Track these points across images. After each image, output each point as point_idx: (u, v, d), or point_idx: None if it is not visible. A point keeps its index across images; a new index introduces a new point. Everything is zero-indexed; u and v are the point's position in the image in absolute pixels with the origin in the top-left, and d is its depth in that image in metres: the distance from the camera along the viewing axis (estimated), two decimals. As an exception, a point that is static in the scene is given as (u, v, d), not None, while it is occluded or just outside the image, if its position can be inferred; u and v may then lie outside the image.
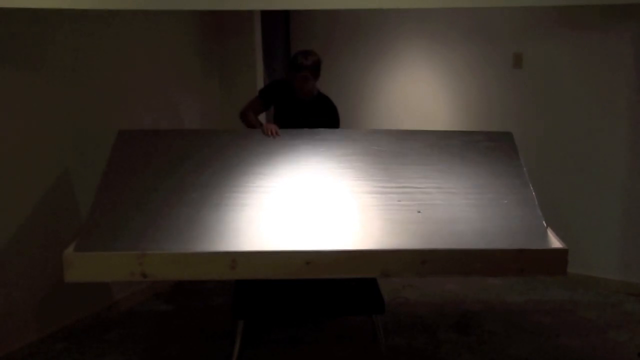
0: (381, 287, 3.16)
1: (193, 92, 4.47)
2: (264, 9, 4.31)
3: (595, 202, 4.10)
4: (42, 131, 3.34)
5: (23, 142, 3.24)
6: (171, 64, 4.22)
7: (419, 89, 4.61)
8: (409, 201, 2.80)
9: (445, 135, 3.29)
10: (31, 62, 3.25)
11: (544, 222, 2.73)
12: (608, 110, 3.99)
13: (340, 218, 2.71)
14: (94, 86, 3.63)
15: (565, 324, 3.62)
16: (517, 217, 2.72)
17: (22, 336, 3.30)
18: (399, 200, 2.80)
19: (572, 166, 4.15)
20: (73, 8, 2.96)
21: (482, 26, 4.31)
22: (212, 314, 3.84)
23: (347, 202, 2.79)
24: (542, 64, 4.16)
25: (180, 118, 4.35)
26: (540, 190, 4.17)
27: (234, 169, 2.98)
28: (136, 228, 2.64)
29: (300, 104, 3.49)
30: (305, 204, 2.78)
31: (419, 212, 2.74)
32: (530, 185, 2.90)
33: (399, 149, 3.16)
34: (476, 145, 3.20)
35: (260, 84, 4.62)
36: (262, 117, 3.79)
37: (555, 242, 2.55)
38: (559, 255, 2.49)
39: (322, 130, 3.29)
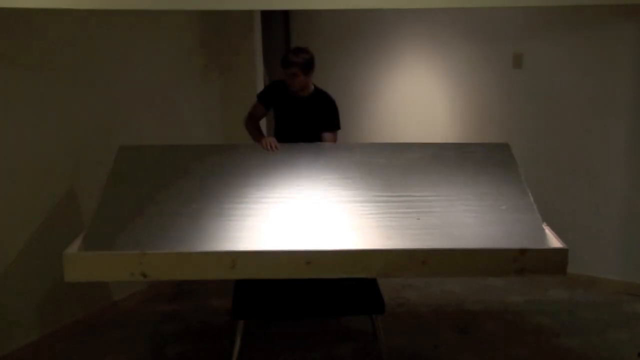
0: (381, 287, 3.16)
1: (193, 92, 4.47)
2: (264, 9, 4.31)
3: (596, 202, 4.10)
4: (42, 131, 3.34)
5: (23, 141, 3.24)
6: (171, 64, 4.22)
7: (419, 89, 4.61)
8: (408, 209, 2.81)
9: (442, 147, 3.34)
10: (31, 62, 3.25)
11: (543, 224, 2.73)
12: (608, 110, 3.99)
13: (339, 224, 2.72)
14: (94, 86, 3.63)
15: (565, 324, 3.62)
16: (516, 221, 2.73)
17: (22, 336, 3.30)
18: (398, 209, 2.82)
19: (572, 166, 4.15)
20: (73, 8, 2.96)
21: (482, 26, 4.31)
22: (212, 314, 3.84)
23: (346, 209, 2.81)
24: (542, 64, 4.16)
25: (180, 118, 4.35)
26: (540, 190, 4.18)
27: (234, 181, 2.99)
28: (136, 231, 2.66)
29: (298, 101, 3.50)
30: (305, 212, 2.79)
31: (418, 218, 2.75)
32: (529, 192, 2.92)
33: (396, 161, 3.20)
34: (473, 156, 3.24)
35: (260, 84, 4.62)
36: (264, 121, 3.77)
37: (555, 242, 2.55)
38: (559, 255, 2.49)
39: (320, 144, 3.37)
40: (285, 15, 5.07)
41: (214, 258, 2.48)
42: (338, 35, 4.82)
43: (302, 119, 3.51)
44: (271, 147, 3.27)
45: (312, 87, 3.51)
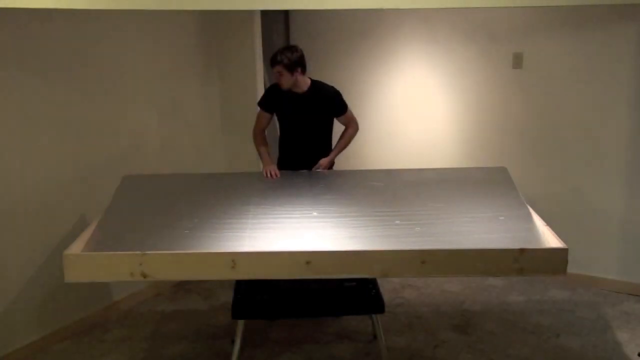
0: (381, 287, 3.16)
1: (193, 92, 4.47)
2: (264, 8, 4.31)
3: (596, 202, 4.10)
4: (42, 130, 3.34)
5: (23, 141, 3.25)
6: (171, 64, 4.22)
7: (419, 89, 4.61)
8: (407, 221, 2.85)
9: (440, 172, 3.54)
10: (31, 62, 3.25)
11: (543, 224, 2.73)
12: (608, 110, 3.99)
13: (338, 232, 2.75)
14: (94, 86, 3.63)
15: (565, 324, 3.62)
16: (515, 225, 2.75)
17: (22, 336, 3.31)
18: (397, 221, 2.85)
19: (572, 166, 4.15)
20: (73, 8, 2.96)
21: (482, 26, 4.31)
22: (212, 314, 3.84)
23: (345, 222, 2.84)
24: (542, 64, 4.15)
25: (180, 118, 4.35)
26: (540, 190, 4.19)
27: (235, 200, 3.08)
28: (137, 236, 2.71)
29: (297, 98, 3.53)
30: (305, 222, 2.83)
31: (418, 229, 2.77)
32: (528, 205, 2.94)
33: (394, 184, 3.35)
34: (471, 178, 3.40)
35: (260, 83, 4.61)
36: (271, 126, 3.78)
37: (555, 242, 2.55)
38: (559, 255, 2.48)
39: (321, 171, 3.52)
40: (285, 15, 5.07)
41: (214, 258, 2.48)
42: (338, 35, 4.82)
43: (304, 115, 3.54)
44: (271, 175, 3.42)
45: (309, 82, 3.53)
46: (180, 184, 3.42)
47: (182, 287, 4.24)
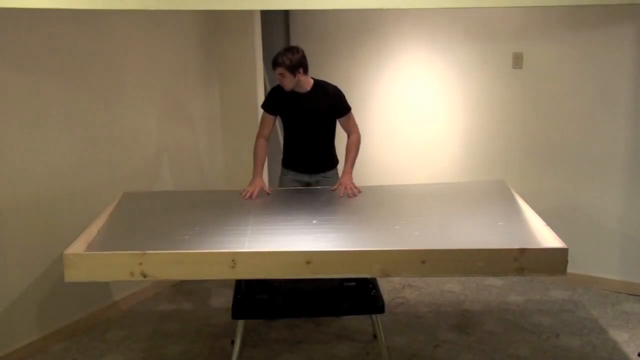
0: (381, 287, 3.16)
1: (193, 92, 4.47)
2: (264, 8, 4.31)
3: (595, 202, 4.10)
4: (42, 130, 3.34)
5: (23, 141, 3.24)
6: (171, 64, 4.22)
7: (419, 89, 4.61)
8: (407, 227, 2.88)
9: (436, 186, 3.62)
10: (30, 62, 3.25)
11: (543, 224, 2.73)
12: (608, 110, 3.99)
13: (339, 233, 2.79)
14: (94, 86, 3.63)
15: (565, 324, 3.62)
16: (515, 231, 2.77)
17: (22, 336, 3.31)
18: (396, 226, 2.88)
19: (572, 166, 4.15)
20: (73, 8, 2.96)
21: (482, 26, 4.31)
22: (212, 314, 3.84)
23: (345, 227, 2.89)
24: (542, 64, 4.15)
25: (180, 118, 4.35)
26: (540, 190, 4.19)
27: (235, 211, 3.14)
28: (137, 237, 2.75)
29: (300, 98, 3.53)
30: (306, 229, 2.85)
31: (417, 233, 2.80)
32: (525, 213, 2.96)
33: (394, 196, 3.45)
34: (469, 189, 3.47)
35: (260, 84, 4.62)
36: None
37: (555, 242, 2.55)
38: (559, 255, 2.48)
39: (319, 188, 3.56)
40: (285, 15, 5.07)
41: (214, 258, 2.48)
42: (338, 36, 4.82)
43: (308, 114, 3.54)
44: (250, 196, 3.36)
45: (312, 81, 3.54)
46: (180, 199, 3.48)
47: (182, 287, 4.24)
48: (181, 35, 4.31)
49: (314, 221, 2.94)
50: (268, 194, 3.46)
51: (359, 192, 3.42)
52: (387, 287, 4.06)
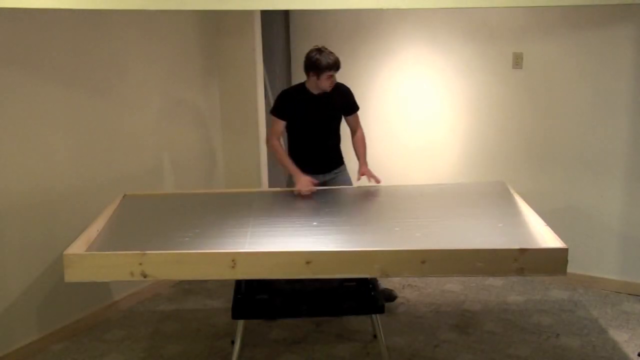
0: (381, 287, 3.16)
1: (193, 92, 4.47)
2: (264, 8, 4.31)
3: (596, 202, 4.10)
4: (42, 130, 3.34)
5: (23, 141, 3.25)
6: (171, 64, 4.22)
7: (419, 89, 4.61)
8: (407, 228, 2.89)
9: (438, 186, 3.66)
10: (31, 62, 3.25)
11: (543, 224, 2.74)
12: (608, 110, 3.99)
13: (338, 237, 2.79)
14: (94, 87, 3.63)
15: (565, 324, 3.62)
16: (514, 232, 2.78)
17: (22, 336, 3.30)
18: (397, 227, 2.89)
19: (572, 166, 4.15)
20: (73, 8, 2.97)
21: (482, 26, 4.31)
22: (212, 314, 3.84)
23: (345, 229, 2.89)
24: (542, 64, 4.15)
25: (180, 118, 4.35)
26: (540, 190, 4.19)
27: (235, 214, 3.14)
28: (138, 239, 2.76)
29: (315, 98, 3.58)
30: (306, 231, 2.86)
31: (418, 234, 2.81)
32: (525, 213, 2.97)
33: (394, 197, 3.45)
34: (469, 190, 3.50)
35: (260, 84, 4.61)
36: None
37: (555, 242, 2.55)
38: (559, 255, 2.48)
39: (322, 187, 3.56)
40: (285, 15, 5.07)
41: (214, 258, 2.48)
42: (338, 36, 4.81)
43: (324, 114, 3.61)
44: (309, 193, 3.42)
45: None
46: (180, 201, 3.49)
47: (182, 287, 4.24)
48: (181, 35, 4.30)
49: (314, 223, 2.95)
50: (317, 185, 3.51)
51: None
52: (387, 287, 4.05)
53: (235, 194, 3.57)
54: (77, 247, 2.55)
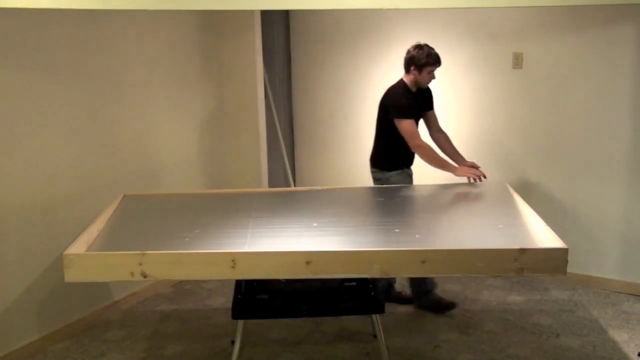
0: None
1: (193, 92, 4.47)
2: (264, 8, 4.31)
3: (596, 202, 4.10)
4: (42, 130, 3.34)
5: (23, 141, 3.25)
6: (171, 64, 4.22)
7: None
8: (407, 228, 2.89)
9: (439, 187, 3.62)
10: (30, 62, 3.25)
11: (543, 224, 2.74)
12: (608, 110, 3.99)
13: (338, 238, 2.79)
14: (94, 87, 3.63)
15: (565, 324, 3.62)
16: (514, 232, 2.78)
17: (22, 336, 3.31)
18: (397, 229, 2.88)
19: (572, 166, 4.15)
20: (73, 8, 2.96)
21: (482, 26, 4.31)
22: (212, 314, 3.84)
23: (345, 230, 2.89)
24: (542, 64, 4.15)
25: (180, 118, 4.35)
26: (540, 190, 4.19)
27: (235, 214, 3.15)
28: (138, 239, 2.76)
29: (415, 95, 3.72)
30: (306, 232, 2.86)
31: (417, 236, 2.81)
32: (525, 213, 2.97)
33: (394, 198, 3.43)
34: (470, 190, 3.49)
35: (260, 84, 4.61)
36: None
37: (555, 242, 2.55)
38: (559, 255, 2.48)
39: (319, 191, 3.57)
40: (285, 15, 5.07)
41: (214, 258, 2.48)
42: (338, 36, 4.82)
43: (421, 111, 3.76)
44: (477, 178, 3.56)
45: None
46: (180, 201, 3.49)
47: (182, 287, 4.24)
48: (181, 36, 4.31)
49: (315, 224, 2.95)
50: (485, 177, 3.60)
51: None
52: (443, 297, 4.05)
53: (235, 194, 3.57)
54: (77, 247, 2.55)
